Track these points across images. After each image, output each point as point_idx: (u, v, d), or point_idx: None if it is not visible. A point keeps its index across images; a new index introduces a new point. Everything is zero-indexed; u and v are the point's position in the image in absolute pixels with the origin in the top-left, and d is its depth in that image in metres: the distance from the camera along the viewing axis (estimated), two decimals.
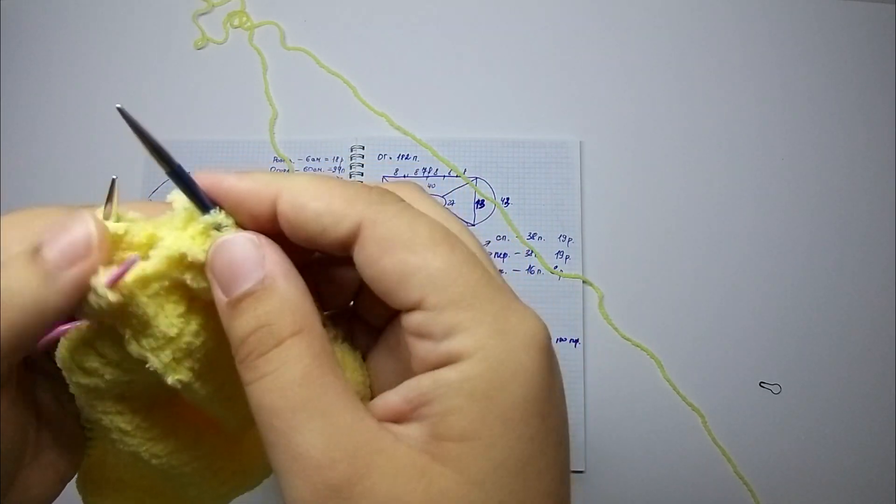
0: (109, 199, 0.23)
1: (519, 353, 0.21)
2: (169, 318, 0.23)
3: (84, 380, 0.24)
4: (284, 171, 0.61)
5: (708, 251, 0.59)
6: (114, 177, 0.23)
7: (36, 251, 0.22)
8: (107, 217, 0.23)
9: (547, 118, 0.62)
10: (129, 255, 0.22)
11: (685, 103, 0.62)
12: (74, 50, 0.65)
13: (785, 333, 0.57)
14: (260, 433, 0.21)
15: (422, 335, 0.21)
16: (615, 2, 0.64)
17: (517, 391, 0.21)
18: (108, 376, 0.24)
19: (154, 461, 0.26)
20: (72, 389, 0.24)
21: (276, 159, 0.61)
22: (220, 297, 0.22)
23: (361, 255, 0.22)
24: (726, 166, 0.60)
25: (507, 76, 0.63)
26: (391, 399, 0.22)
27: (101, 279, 0.22)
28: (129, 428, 0.25)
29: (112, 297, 0.21)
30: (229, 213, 0.23)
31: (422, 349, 0.21)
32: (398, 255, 0.21)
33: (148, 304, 0.22)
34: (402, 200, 0.23)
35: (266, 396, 0.21)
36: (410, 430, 0.21)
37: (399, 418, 0.22)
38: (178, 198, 0.24)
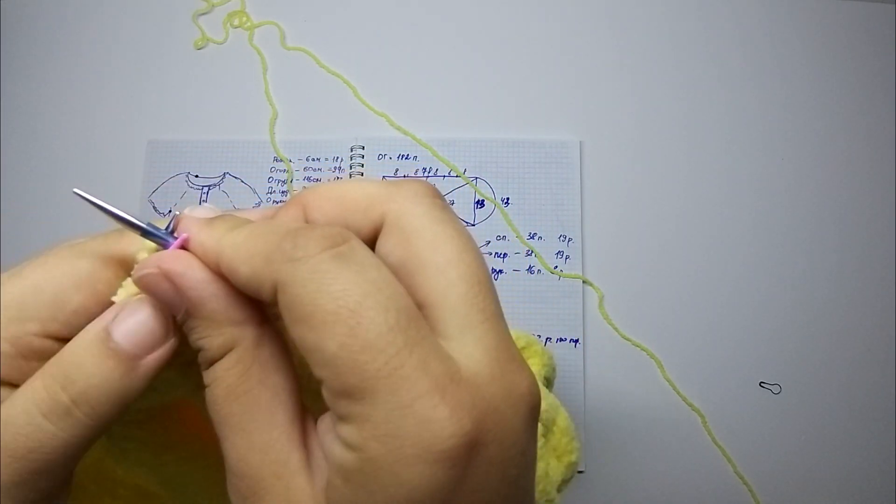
0: (147, 235, 0.22)
1: (404, 465, 0.18)
2: None
3: None
4: (283, 171, 0.61)
5: (708, 251, 0.59)
6: (75, 190, 0.22)
7: (107, 338, 0.21)
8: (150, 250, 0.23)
9: (547, 118, 0.62)
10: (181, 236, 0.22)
11: (685, 103, 0.62)
12: (74, 50, 0.65)
13: (785, 333, 0.57)
14: None
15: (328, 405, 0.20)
16: (615, 2, 0.65)
17: (390, 502, 0.18)
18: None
19: (161, 468, 0.26)
20: None
21: (275, 159, 0.61)
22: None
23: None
24: (726, 166, 0.60)
25: (507, 76, 0.63)
26: (322, 424, 0.21)
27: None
28: (145, 436, 0.26)
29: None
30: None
31: (330, 414, 0.20)
32: (299, 329, 0.19)
33: None
34: (334, 244, 0.20)
35: (207, 407, 0.21)
36: (321, 464, 0.20)
37: (323, 450, 0.21)
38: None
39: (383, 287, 0.19)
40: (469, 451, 0.18)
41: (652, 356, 0.57)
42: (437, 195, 0.23)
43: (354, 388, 0.18)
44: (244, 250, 0.20)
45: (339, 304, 0.19)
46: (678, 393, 0.56)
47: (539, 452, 0.36)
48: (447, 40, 0.64)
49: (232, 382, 0.21)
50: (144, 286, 0.22)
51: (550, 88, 0.63)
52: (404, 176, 0.60)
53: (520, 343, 0.43)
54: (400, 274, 0.21)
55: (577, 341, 0.56)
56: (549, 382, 0.45)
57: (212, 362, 0.21)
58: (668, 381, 0.56)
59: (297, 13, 0.65)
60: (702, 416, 0.55)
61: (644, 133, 0.61)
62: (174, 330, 0.22)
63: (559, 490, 0.38)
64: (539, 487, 0.35)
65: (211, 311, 0.21)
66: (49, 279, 0.22)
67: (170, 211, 0.25)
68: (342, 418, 0.19)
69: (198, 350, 0.22)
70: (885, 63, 0.62)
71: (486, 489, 0.19)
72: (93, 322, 0.22)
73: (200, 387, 0.24)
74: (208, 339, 0.21)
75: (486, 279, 0.21)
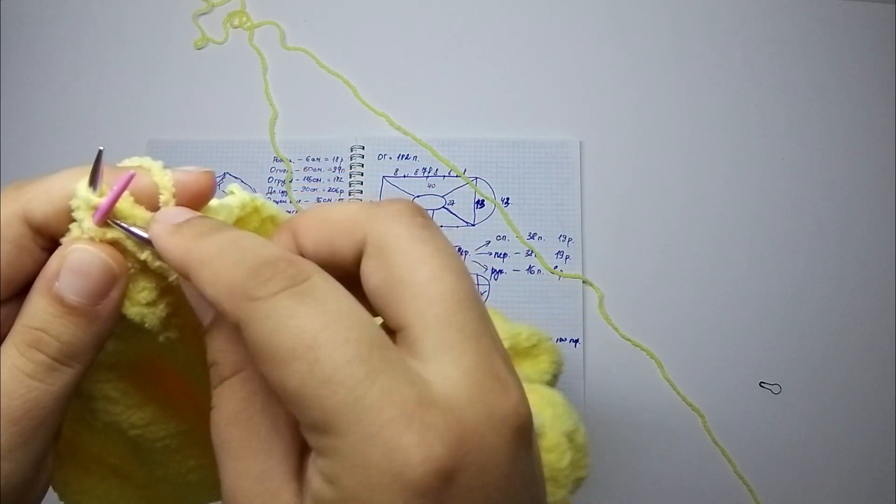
0: (95, 171, 0.24)
1: (375, 495, 0.18)
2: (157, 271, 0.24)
3: None
4: (283, 171, 0.61)
5: (708, 251, 0.59)
6: (101, 148, 0.24)
7: (60, 297, 0.22)
8: (92, 187, 0.24)
9: (547, 118, 0.62)
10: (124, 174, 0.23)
11: (685, 103, 0.62)
12: (74, 50, 0.65)
13: (785, 333, 0.57)
14: None
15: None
16: (615, 2, 0.65)
17: None
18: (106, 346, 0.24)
19: (131, 432, 0.27)
20: None
21: (275, 159, 0.61)
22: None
23: None
24: (726, 166, 0.60)
25: (507, 76, 0.63)
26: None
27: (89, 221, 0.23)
28: (115, 394, 0.26)
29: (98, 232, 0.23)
30: None
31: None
32: (262, 367, 0.19)
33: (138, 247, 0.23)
34: (294, 282, 0.20)
35: (211, 429, 0.22)
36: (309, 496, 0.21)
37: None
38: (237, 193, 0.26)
39: (342, 318, 0.19)
40: (443, 478, 0.18)
41: (652, 356, 0.57)
42: (419, 213, 0.23)
43: (320, 422, 0.18)
44: (209, 274, 0.20)
45: (296, 340, 0.19)
46: (678, 393, 0.56)
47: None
48: (447, 40, 0.64)
49: (236, 406, 0.21)
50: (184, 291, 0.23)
51: (550, 88, 0.63)
52: (404, 176, 0.60)
53: (530, 341, 0.43)
54: (381, 295, 0.21)
55: (577, 341, 0.56)
56: (555, 379, 0.45)
57: (222, 380, 0.22)
58: (668, 381, 0.56)
59: (297, 13, 0.65)
60: (702, 416, 0.55)
61: (644, 133, 0.61)
62: (123, 268, 0.23)
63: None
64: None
65: (234, 328, 0.21)
66: None
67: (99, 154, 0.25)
68: (317, 451, 0.19)
69: (211, 364, 0.22)
70: (885, 63, 0.62)
71: None
72: (40, 278, 0.23)
73: (172, 343, 0.25)
74: (225, 353, 0.22)
75: (467, 297, 0.21)
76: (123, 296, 0.23)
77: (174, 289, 0.24)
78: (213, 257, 0.21)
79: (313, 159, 0.61)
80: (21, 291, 0.24)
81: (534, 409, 0.36)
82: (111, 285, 0.23)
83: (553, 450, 0.36)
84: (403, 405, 0.18)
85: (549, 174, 0.60)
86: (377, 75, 0.63)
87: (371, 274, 0.22)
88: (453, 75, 0.63)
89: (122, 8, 0.66)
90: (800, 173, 0.60)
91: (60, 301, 0.22)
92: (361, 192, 0.60)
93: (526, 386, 0.43)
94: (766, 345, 0.57)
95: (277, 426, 0.21)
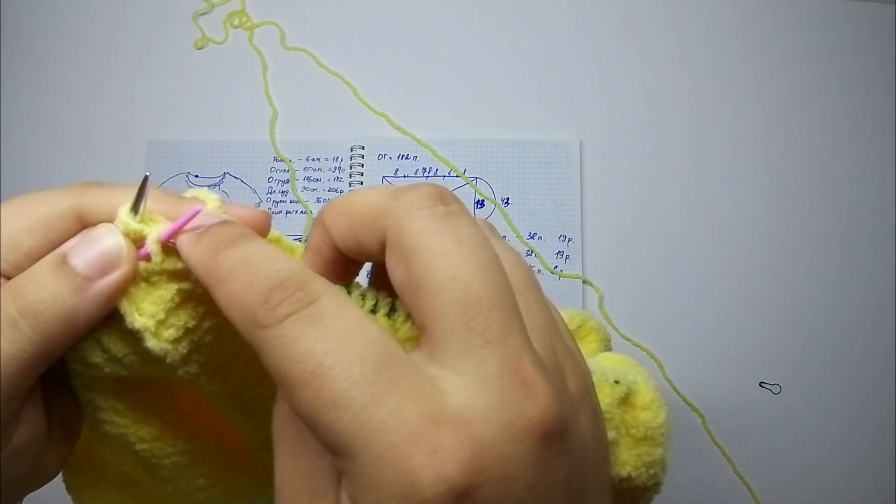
0: (139, 197, 0.23)
1: None
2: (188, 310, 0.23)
3: (85, 370, 0.24)
4: (283, 171, 0.61)
5: (708, 251, 0.59)
6: (147, 174, 0.23)
7: (63, 260, 0.22)
8: (134, 212, 0.23)
9: (547, 118, 0.62)
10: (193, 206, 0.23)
11: (685, 103, 0.62)
12: (74, 50, 0.65)
13: (785, 333, 0.57)
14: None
15: None
16: (615, 2, 0.65)
17: None
18: (107, 370, 0.24)
19: (138, 445, 0.26)
20: (71, 371, 0.25)
21: (275, 159, 0.61)
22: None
23: None
24: (726, 166, 0.60)
25: (507, 76, 0.63)
26: None
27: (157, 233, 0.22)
28: (121, 406, 0.26)
29: (166, 262, 0.22)
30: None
31: None
32: (280, 393, 0.20)
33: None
34: (303, 305, 0.20)
35: (273, 419, 0.22)
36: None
37: None
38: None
39: (347, 340, 0.19)
40: (456, 498, 0.17)
41: (652, 356, 0.57)
42: (440, 200, 0.21)
43: (332, 445, 0.18)
44: (225, 295, 0.21)
45: (301, 367, 0.18)
46: (678, 393, 0.56)
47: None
48: (447, 40, 0.64)
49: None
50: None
51: (550, 88, 0.63)
52: (404, 176, 0.60)
53: (574, 323, 0.42)
54: (404, 293, 0.21)
55: None
56: (607, 348, 0.44)
57: None
58: (668, 381, 0.56)
59: (297, 13, 0.65)
60: (702, 416, 0.55)
61: (644, 133, 0.61)
62: (132, 261, 0.23)
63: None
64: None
65: None
66: (6, 221, 0.23)
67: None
68: (340, 473, 0.19)
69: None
70: (885, 63, 0.62)
71: None
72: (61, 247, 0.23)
73: (192, 377, 0.24)
74: None
75: (491, 295, 0.19)
76: (120, 290, 0.22)
77: (199, 321, 0.24)
78: (228, 277, 0.21)
79: (313, 159, 0.61)
80: None
81: (620, 370, 0.35)
82: (113, 265, 0.22)
83: (648, 407, 0.35)
84: (412, 425, 0.18)
85: (549, 174, 0.60)
86: (377, 75, 0.63)
87: (394, 271, 0.21)
88: (453, 75, 0.63)
89: (122, 8, 0.66)
90: (800, 173, 0.60)
91: (61, 259, 0.22)
92: None
93: (601, 355, 0.42)
94: (766, 345, 0.57)
95: None
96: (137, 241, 0.23)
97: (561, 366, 0.21)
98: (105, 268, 0.22)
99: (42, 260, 0.22)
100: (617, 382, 0.34)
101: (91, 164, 0.62)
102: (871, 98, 0.62)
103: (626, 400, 0.35)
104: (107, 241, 0.22)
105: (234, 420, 0.28)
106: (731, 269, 0.58)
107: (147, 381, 0.26)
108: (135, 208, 0.23)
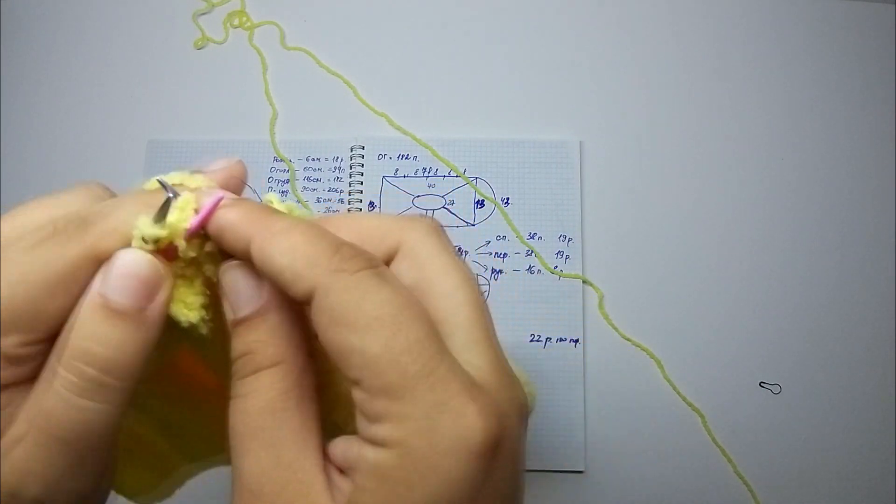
0: (165, 209, 0.23)
1: (442, 457, 0.20)
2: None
3: None
4: (283, 171, 0.61)
5: (708, 251, 0.59)
6: (158, 178, 0.24)
7: (106, 305, 0.22)
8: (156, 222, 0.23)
9: (547, 118, 0.62)
10: (215, 194, 0.24)
11: (685, 103, 0.62)
12: (74, 50, 0.65)
13: (785, 333, 0.57)
14: None
15: (359, 410, 0.22)
16: (615, 2, 0.65)
17: (430, 494, 0.20)
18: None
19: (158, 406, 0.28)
20: None
21: (275, 159, 0.61)
22: (227, 314, 0.24)
23: (314, 320, 0.22)
24: (726, 166, 0.60)
25: (507, 76, 0.63)
26: (339, 446, 0.22)
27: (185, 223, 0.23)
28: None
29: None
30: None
31: (359, 420, 0.22)
32: (340, 331, 0.21)
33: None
34: (372, 265, 0.22)
35: (234, 417, 0.22)
36: (345, 485, 0.21)
37: (344, 467, 0.22)
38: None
39: (414, 304, 0.22)
40: (493, 446, 0.21)
41: (652, 356, 0.57)
42: (443, 232, 0.26)
43: (395, 385, 0.20)
44: (283, 242, 0.22)
45: (383, 310, 0.21)
46: (678, 393, 0.56)
47: None
48: (447, 40, 0.64)
49: (272, 396, 0.22)
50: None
51: (550, 88, 0.63)
52: (404, 176, 0.60)
53: None
54: (414, 292, 0.24)
55: (577, 341, 0.56)
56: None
57: (257, 369, 0.22)
58: (668, 381, 0.56)
59: (297, 13, 0.65)
60: (702, 416, 0.55)
61: (644, 133, 0.61)
62: (169, 272, 0.23)
63: None
64: None
65: (280, 321, 0.23)
66: (20, 288, 0.21)
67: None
68: (378, 419, 0.21)
69: (243, 354, 0.23)
70: (885, 63, 0.62)
71: (506, 479, 0.22)
72: (86, 293, 0.22)
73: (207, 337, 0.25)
74: (264, 344, 0.23)
75: (485, 305, 0.24)
76: (170, 299, 0.23)
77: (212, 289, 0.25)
78: (288, 230, 0.22)
79: (313, 159, 0.61)
80: None
81: None
82: (158, 286, 0.22)
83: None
84: (465, 382, 0.21)
85: (549, 174, 0.60)
86: (377, 75, 0.63)
87: (403, 275, 0.24)
88: (453, 75, 0.63)
89: (122, 8, 0.66)
90: (799, 173, 0.60)
91: (106, 305, 0.21)
92: (361, 192, 0.60)
93: None
94: (766, 345, 0.57)
95: (309, 420, 0.23)
96: (161, 244, 0.23)
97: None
98: (150, 292, 0.22)
99: (85, 311, 0.22)
100: None
101: (91, 164, 0.62)
102: (871, 98, 0.62)
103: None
104: (140, 267, 0.22)
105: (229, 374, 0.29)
106: (731, 270, 0.58)
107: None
108: (160, 214, 0.23)
